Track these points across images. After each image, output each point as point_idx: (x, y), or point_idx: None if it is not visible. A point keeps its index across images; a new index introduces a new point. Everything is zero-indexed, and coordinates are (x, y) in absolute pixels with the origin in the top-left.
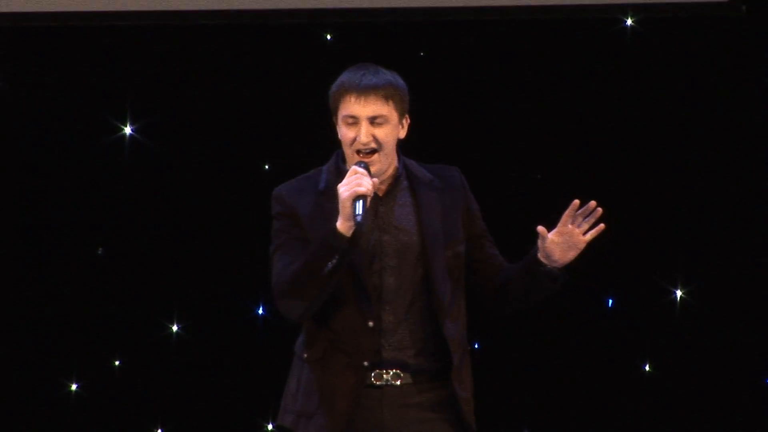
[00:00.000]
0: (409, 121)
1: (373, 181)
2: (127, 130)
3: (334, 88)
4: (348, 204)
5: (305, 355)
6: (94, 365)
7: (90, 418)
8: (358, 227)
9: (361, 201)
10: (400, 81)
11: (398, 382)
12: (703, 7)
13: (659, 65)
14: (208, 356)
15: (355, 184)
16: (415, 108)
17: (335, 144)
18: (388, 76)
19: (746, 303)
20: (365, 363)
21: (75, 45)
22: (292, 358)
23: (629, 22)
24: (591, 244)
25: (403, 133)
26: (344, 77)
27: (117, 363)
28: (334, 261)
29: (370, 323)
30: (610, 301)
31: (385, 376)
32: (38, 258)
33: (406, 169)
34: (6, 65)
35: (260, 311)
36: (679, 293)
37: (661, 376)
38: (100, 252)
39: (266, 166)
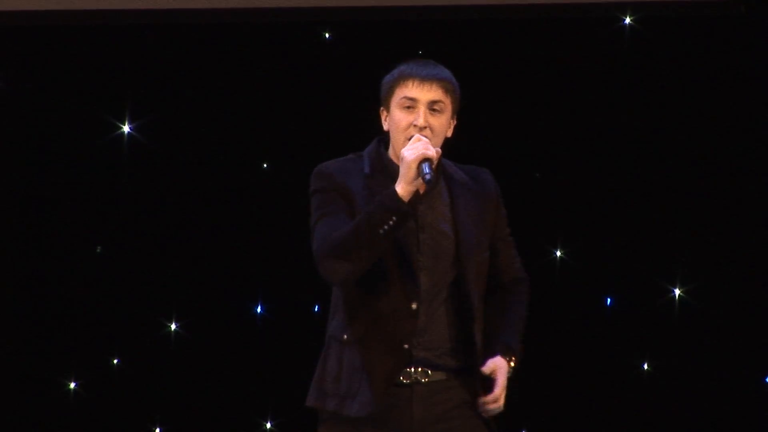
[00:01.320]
0: (455, 122)
1: (436, 150)
2: (126, 128)
3: (392, 75)
4: (414, 166)
5: (345, 337)
6: (92, 364)
7: (88, 416)
8: (429, 186)
9: (427, 163)
10: (456, 81)
11: (425, 380)
12: (702, 6)
13: (658, 64)
14: (206, 355)
15: (423, 147)
16: None
17: (335, 141)
18: (448, 72)
19: (745, 301)
20: (405, 345)
21: (73, 44)
22: (326, 343)
23: (628, 20)
24: (589, 243)
25: (449, 132)
26: (404, 67)
27: (115, 361)
28: (391, 223)
29: (414, 305)
30: (609, 300)
31: (413, 374)
32: (36, 256)
33: (443, 168)
34: (3, 64)
35: (258, 309)
36: (677, 292)
37: (660, 375)
38: (98, 251)
39: (264, 165)
